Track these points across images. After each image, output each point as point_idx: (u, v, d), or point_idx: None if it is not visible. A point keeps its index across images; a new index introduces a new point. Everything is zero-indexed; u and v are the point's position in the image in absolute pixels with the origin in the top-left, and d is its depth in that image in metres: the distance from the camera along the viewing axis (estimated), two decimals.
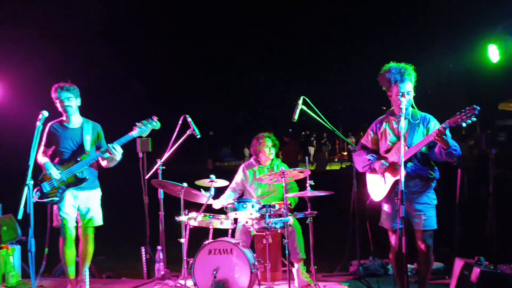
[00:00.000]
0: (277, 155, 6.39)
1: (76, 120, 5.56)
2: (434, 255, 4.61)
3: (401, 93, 4.49)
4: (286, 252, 5.28)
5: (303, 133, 20.14)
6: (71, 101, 5.44)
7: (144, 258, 6.40)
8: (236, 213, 5.57)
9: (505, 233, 5.81)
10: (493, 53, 6.72)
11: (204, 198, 5.62)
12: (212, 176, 5.62)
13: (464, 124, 4.00)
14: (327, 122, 5.46)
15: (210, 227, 5.58)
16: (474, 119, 3.94)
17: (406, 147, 4.35)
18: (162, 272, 6.09)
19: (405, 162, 4.36)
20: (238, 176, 6.29)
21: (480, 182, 6.59)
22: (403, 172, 3.94)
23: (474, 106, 3.92)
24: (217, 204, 5.98)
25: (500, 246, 5.63)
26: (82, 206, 5.52)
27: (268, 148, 6.14)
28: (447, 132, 4.19)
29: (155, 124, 5.37)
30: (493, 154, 6.33)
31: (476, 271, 4.79)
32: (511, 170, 6.74)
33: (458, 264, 5.08)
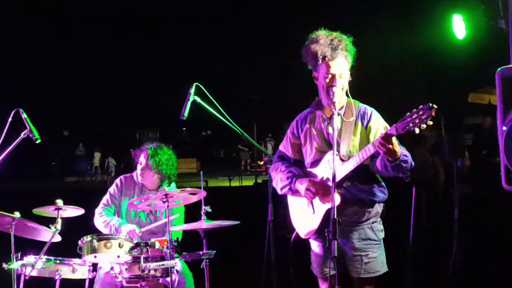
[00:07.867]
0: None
1: None
2: None
3: (330, 75, 4.20)
4: None
5: (203, 133, 19.69)
6: None
7: None
8: (95, 256, 5.14)
9: None
10: (459, 27, 6.63)
11: (48, 233, 5.19)
12: (59, 202, 5.16)
13: (417, 130, 3.84)
14: (228, 118, 5.16)
15: (57, 277, 5.18)
16: (431, 122, 3.79)
17: (341, 160, 4.14)
18: None
19: (340, 182, 4.15)
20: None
21: (445, 202, 6.51)
22: (337, 198, 3.92)
23: (431, 104, 3.77)
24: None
25: None
26: None
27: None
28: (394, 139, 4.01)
29: None
30: (459, 166, 6.19)
31: None
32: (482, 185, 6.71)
33: None
